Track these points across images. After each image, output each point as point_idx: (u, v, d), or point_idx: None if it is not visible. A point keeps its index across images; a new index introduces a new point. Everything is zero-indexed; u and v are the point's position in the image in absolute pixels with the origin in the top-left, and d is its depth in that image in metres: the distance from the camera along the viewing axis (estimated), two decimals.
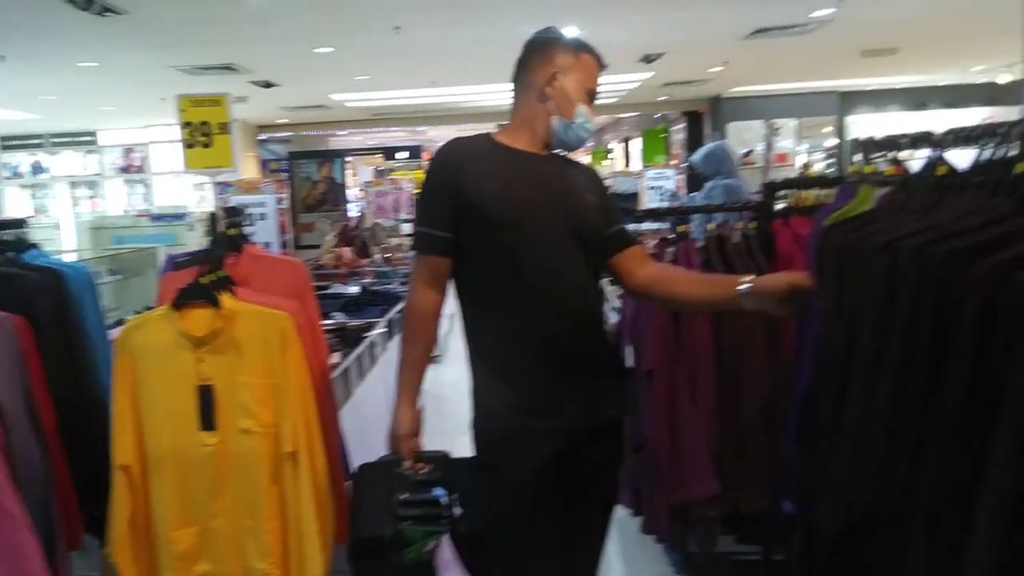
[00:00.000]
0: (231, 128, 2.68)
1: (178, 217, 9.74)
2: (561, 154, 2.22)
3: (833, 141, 13.66)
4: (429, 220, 2.10)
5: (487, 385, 2.10)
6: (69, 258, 8.55)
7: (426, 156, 14.54)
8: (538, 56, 2.14)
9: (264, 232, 4.17)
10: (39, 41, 6.70)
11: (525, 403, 2.04)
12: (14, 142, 14.11)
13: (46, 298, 2.30)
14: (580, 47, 2.14)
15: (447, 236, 2.07)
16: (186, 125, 2.66)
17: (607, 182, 6.61)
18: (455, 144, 2.14)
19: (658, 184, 9.82)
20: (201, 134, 2.63)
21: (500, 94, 11.49)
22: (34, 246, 2.53)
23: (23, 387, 1.77)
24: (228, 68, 8.53)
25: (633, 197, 9.77)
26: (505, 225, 2.01)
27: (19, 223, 2.50)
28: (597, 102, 2.24)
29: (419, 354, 2.15)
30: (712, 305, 2.34)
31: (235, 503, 2.09)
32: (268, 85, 9.87)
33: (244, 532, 2.09)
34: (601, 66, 2.18)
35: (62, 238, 12.60)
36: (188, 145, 2.68)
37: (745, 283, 1.97)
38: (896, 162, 1.77)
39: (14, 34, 6.41)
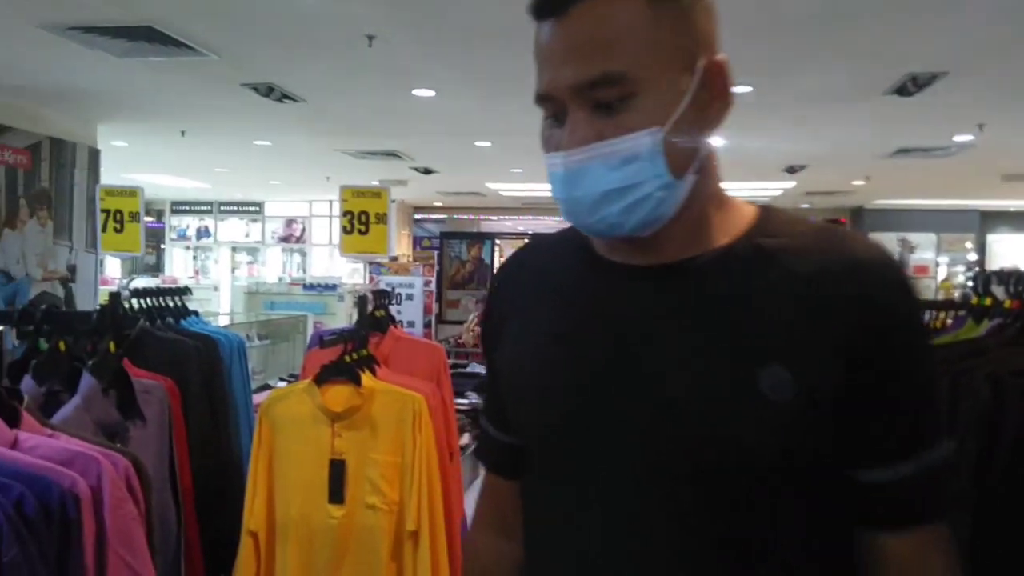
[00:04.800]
0: (388, 218, 2.81)
1: (330, 288, 10.15)
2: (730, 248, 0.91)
3: (974, 256, 13.90)
4: (487, 404, 1.15)
5: None
6: (223, 320, 9.08)
7: None
8: None
9: (410, 312, 4.32)
10: (220, 120, 7.33)
11: None
12: (184, 207, 15.32)
13: (198, 363, 2.39)
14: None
15: (507, 441, 1.06)
16: (346, 213, 2.81)
17: None
18: (518, 254, 1.10)
19: None
20: (359, 222, 2.78)
21: None
22: (193, 313, 2.67)
23: (168, 452, 1.86)
24: (392, 155, 9.05)
25: None
26: (539, 444, 0.97)
27: (182, 291, 2.65)
28: None
29: None
30: None
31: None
32: (428, 171, 10.39)
33: None
34: (543, 14, 0.86)
35: (220, 300, 13.38)
36: (346, 231, 2.82)
37: None
38: (1016, 296, 1.80)
39: (196, 112, 7.05)
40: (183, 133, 7.95)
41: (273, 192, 13.98)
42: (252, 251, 15.40)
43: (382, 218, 2.77)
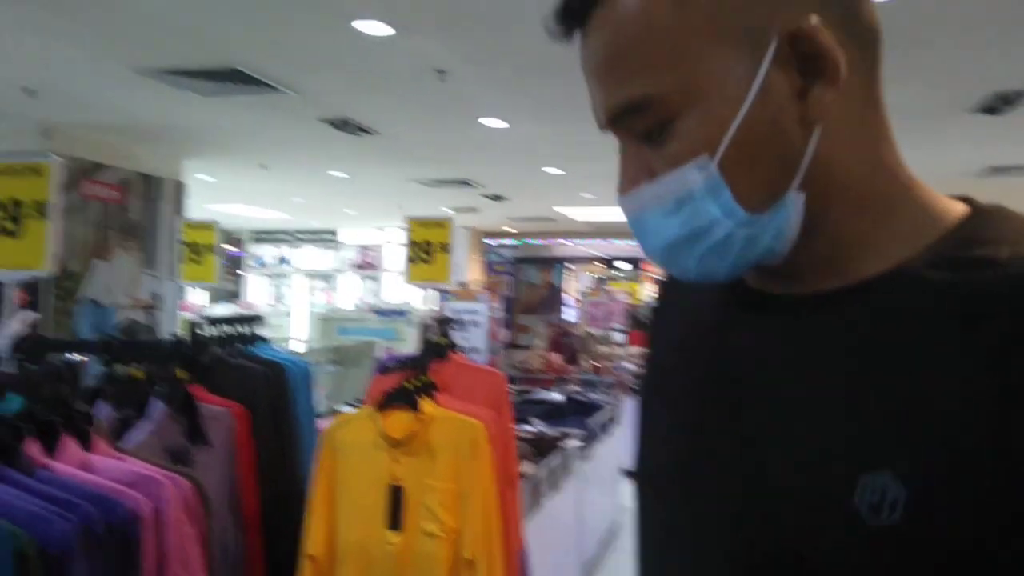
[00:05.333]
0: (451, 247, 2.90)
1: (400, 314, 10.27)
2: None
3: None
4: None
5: None
6: (298, 346, 9.30)
7: (644, 267, 14.56)
8: None
9: (475, 338, 4.37)
10: (297, 153, 7.62)
11: None
12: (264, 236, 15.84)
13: (266, 389, 2.43)
14: None
15: None
16: (411, 243, 2.91)
17: None
18: (665, 281, 0.90)
19: None
20: (423, 251, 2.86)
21: None
22: (263, 339, 2.75)
23: (231, 478, 1.93)
24: (463, 183, 9.24)
25: None
26: (639, 487, 0.82)
27: (254, 318, 2.73)
28: None
29: None
30: None
31: None
32: (498, 198, 10.56)
33: None
34: (566, 31, 0.68)
35: (293, 326, 13.68)
36: (411, 260, 2.91)
37: None
38: None
39: (275, 146, 7.35)
40: (263, 166, 8.25)
41: (348, 221, 14.32)
42: (327, 278, 15.78)
43: (445, 247, 2.84)
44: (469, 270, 15.01)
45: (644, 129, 0.65)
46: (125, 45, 4.43)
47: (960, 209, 0.65)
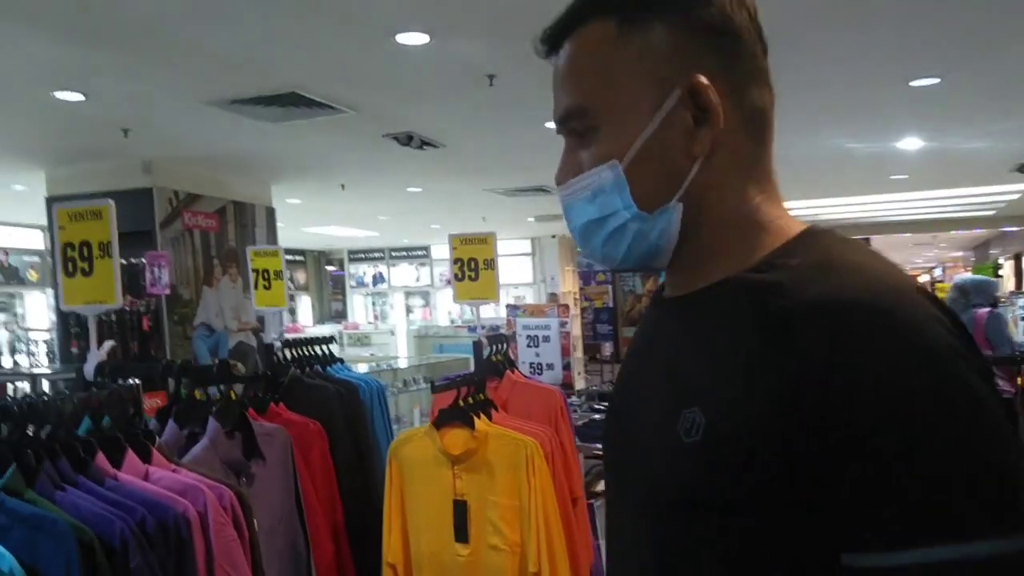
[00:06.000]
0: (495, 264, 2.93)
1: (493, 330, 10.30)
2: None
3: None
4: None
5: None
6: (401, 364, 9.50)
7: None
8: None
9: (548, 354, 4.39)
10: (371, 171, 7.79)
11: None
12: (360, 255, 16.24)
13: (341, 407, 2.58)
14: None
15: None
16: (456, 261, 2.96)
17: None
18: None
19: None
20: (469, 268, 2.91)
21: (817, 208, 11.36)
22: (339, 360, 2.87)
23: (293, 487, 2.06)
24: (539, 190, 9.25)
25: None
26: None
27: (328, 340, 2.86)
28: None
29: None
30: None
31: None
32: None
33: None
34: (546, 52, 0.91)
35: (396, 344, 13.95)
36: (458, 278, 2.97)
37: None
38: None
39: (349, 166, 7.56)
40: (343, 186, 8.50)
41: (437, 236, 14.51)
42: (423, 294, 16.02)
43: (490, 264, 2.87)
44: (563, 281, 14.97)
45: (580, 130, 0.86)
46: (194, 80, 4.65)
47: (790, 233, 0.84)
